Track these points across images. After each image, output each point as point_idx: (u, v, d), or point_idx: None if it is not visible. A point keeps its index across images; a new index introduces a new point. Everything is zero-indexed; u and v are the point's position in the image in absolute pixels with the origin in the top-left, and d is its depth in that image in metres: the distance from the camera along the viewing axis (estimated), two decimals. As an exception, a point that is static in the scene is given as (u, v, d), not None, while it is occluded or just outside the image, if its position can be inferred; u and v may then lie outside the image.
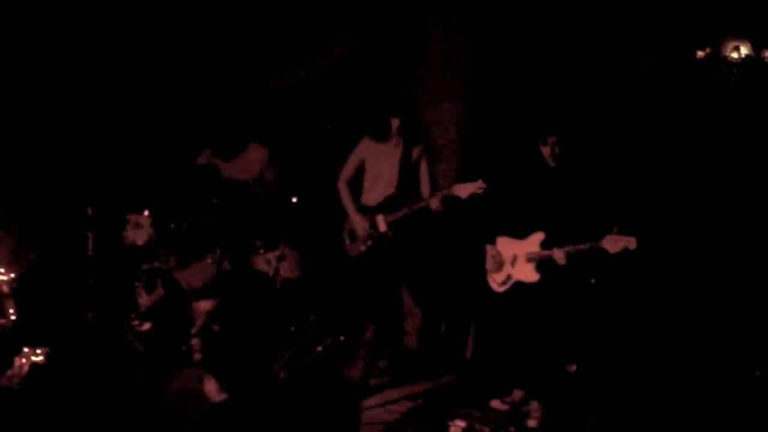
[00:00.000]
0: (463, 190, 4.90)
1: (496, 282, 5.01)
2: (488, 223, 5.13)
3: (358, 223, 5.34)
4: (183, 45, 6.57)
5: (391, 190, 5.30)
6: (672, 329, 5.55)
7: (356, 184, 5.49)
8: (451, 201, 4.99)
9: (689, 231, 5.54)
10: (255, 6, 6.67)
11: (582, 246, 4.55)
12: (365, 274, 5.37)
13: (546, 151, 4.84)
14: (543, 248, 4.75)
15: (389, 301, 5.39)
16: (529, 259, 4.79)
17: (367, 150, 5.40)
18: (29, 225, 5.91)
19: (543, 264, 4.74)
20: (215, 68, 6.68)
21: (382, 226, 5.26)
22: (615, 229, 4.42)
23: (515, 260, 4.89)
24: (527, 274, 4.81)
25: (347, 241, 5.47)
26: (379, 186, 5.34)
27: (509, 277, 4.92)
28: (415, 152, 5.31)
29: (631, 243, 4.40)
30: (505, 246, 5.00)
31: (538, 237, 4.81)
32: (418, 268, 5.77)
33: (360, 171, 5.45)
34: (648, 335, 5.58)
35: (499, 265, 4.99)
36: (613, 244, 4.43)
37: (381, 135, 5.30)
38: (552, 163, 4.84)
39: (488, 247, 5.09)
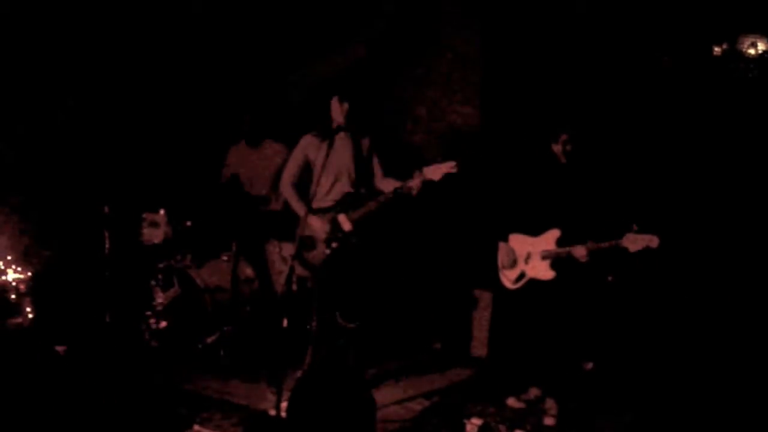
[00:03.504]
0: (436, 172, 4.64)
1: (510, 279, 4.99)
2: (501, 220, 5.12)
3: (318, 226, 4.93)
4: (198, 43, 6.59)
5: (348, 188, 4.98)
6: (689, 327, 5.53)
7: (301, 187, 5.08)
8: (426, 185, 4.70)
9: (706, 228, 5.51)
10: (274, 4, 6.68)
11: (603, 244, 4.53)
12: (335, 274, 4.94)
13: (558, 148, 4.83)
14: (560, 246, 4.74)
15: (378, 301, 5.19)
16: (545, 257, 4.78)
17: (312, 148, 5.03)
18: (46, 224, 5.96)
19: (559, 261, 4.73)
20: (230, 66, 6.70)
21: (347, 225, 4.89)
22: (635, 227, 4.40)
23: (529, 257, 4.88)
24: (542, 271, 4.80)
25: (306, 250, 4.98)
26: (336, 185, 4.98)
27: (523, 274, 4.92)
28: (365, 145, 5.03)
29: (653, 242, 4.36)
30: (519, 243, 4.99)
31: (554, 234, 4.80)
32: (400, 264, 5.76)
33: (306, 173, 5.06)
34: (664, 333, 5.56)
35: (513, 263, 4.98)
36: (634, 242, 4.41)
37: (325, 129, 4.95)
38: (563, 160, 4.84)
39: (501, 244, 5.08)
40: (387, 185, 4.97)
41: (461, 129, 6.47)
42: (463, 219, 6.12)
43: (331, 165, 4.88)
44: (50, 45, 5.96)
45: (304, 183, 5.07)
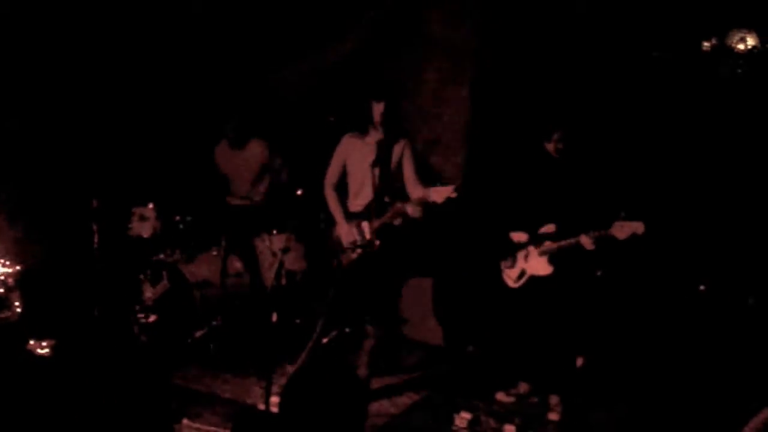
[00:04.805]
0: (439, 195, 4.52)
1: (511, 278, 4.99)
2: (497, 218, 5.11)
3: (345, 231, 4.92)
4: (187, 38, 6.56)
5: (373, 193, 4.83)
6: (679, 321, 5.55)
7: (341, 188, 5.06)
8: (429, 205, 4.62)
9: (696, 223, 5.54)
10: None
11: (593, 233, 4.56)
12: (357, 281, 4.91)
13: (550, 146, 4.82)
14: (555, 240, 4.74)
15: (389, 301, 5.13)
16: (543, 253, 4.79)
17: (348, 150, 4.95)
18: (35, 217, 5.92)
19: (557, 256, 4.74)
20: (220, 61, 6.67)
21: (368, 234, 4.82)
22: (622, 215, 4.44)
23: (528, 255, 4.89)
24: (541, 267, 4.81)
25: (336, 255, 5.02)
26: (364, 189, 4.87)
27: (524, 272, 4.92)
28: (398, 149, 4.84)
29: (639, 228, 4.42)
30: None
31: (549, 230, 4.80)
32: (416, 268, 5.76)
33: (345, 174, 5.03)
34: (655, 327, 5.58)
35: (513, 261, 4.99)
36: (621, 229, 4.45)
37: (363, 127, 4.86)
38: (555, 156, 4.83)
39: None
40: (416, 192, 4.80)
41: (452, 127, 6.45)
42: (461, 219, 6.10)
43: (360, 168, 4.86)
44: (40, 40, 5.92)
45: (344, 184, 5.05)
